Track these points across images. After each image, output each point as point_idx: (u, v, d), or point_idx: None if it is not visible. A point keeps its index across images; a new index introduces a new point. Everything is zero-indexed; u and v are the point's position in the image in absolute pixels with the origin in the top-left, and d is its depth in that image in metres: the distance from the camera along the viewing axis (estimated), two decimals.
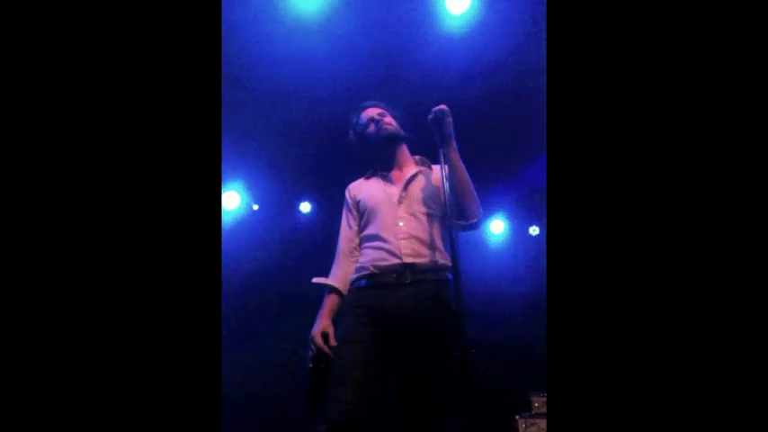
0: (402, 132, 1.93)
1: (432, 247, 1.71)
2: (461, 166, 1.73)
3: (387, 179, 1.89)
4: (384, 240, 1.73)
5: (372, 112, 1.91)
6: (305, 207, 5.00)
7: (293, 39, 3.10)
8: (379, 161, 1.94)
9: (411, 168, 1.90)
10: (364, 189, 1.92)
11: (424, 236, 1.72)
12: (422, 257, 1.68)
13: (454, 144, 1.71)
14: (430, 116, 1.73)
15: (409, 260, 1.67)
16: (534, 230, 5.63)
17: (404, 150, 1.96)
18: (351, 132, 1.98)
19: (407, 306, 1.61)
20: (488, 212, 5.42)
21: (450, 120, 1.69)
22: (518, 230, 5.62)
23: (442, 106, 1.70)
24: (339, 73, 3.35)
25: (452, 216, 1.75)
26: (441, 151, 1.67)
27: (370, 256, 1.74)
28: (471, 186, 1.78)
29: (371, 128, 1.89)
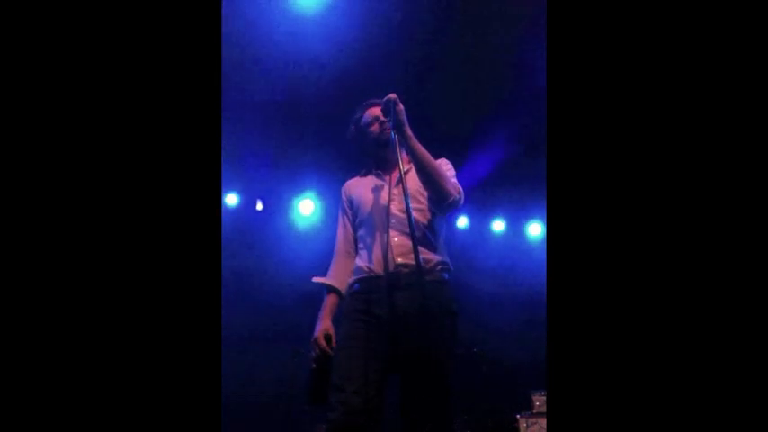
0: None
1: (424, 243, 1.70)
2: (421, 149, 1.71)
3: (380, 177, 1.89)
4: (375, 240, 1.73)
5: (377, 111, 1.90)
6: (305, 206, 5.01)
7: (294, 39, 3.10)
8: (375, 159, 1.94)
9: (404, 166, 1.90)
10: (357, 187, 1.92)
11: (416, 233, 1.70)
12: (413, 255, 1.67)
13: (409, 131, 1.70)
14: (381, 107, 1.75)
15: (401, 260, 1.66)
16: (534, 229, 5.63)
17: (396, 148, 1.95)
18: (352, 127, 1.97)
19: (401, 310, 1.61)
20: (488, 212, 5.42)
21: (400, 108, 1.69)
22: (518, 229, 5.62)
23: (392, 95, 1.70)
24: (340, 73, 3.35)
25: (430, 199, 1.75)
26: (396, 139, 1.67)
27: (364, 258, 1.75)
28: (437, 167, 1.76)
29: (375, 127, 1.87)
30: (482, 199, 5.01)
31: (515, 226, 5.61)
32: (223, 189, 4.68)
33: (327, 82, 3.41)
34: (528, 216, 5.57)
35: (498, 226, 5.57)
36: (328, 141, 4.02)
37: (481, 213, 5.44)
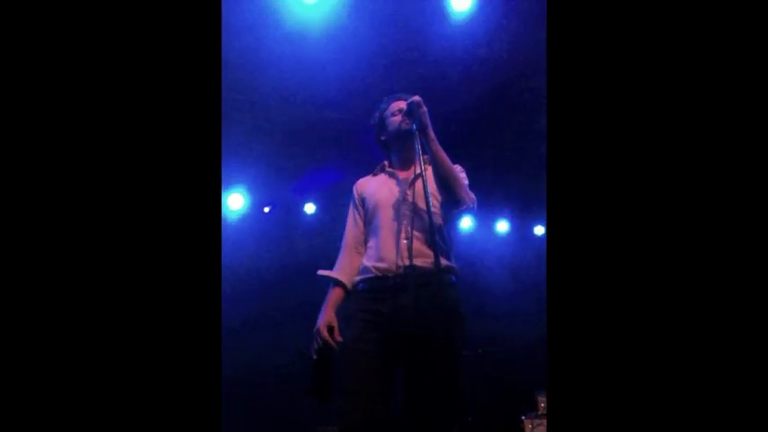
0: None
1: (435, 246, 1.69)
2: (442, 153, 1.71)
3: (394, 177, 1.88)
4: (386, 240, 1.72)
5: (403, 104, 1.88)
6: (309, 208, 5.02)
7: (295, 41, 3.10)
8: (391, 154, 1.94)
9: (419, 167, 1.89)
10: (370, 186, 1.92)
11: (428, 236, 1.68)
12: (424, 258, 1.67)
13: (431, 133, 1.70)
14: (404, 109, 1.75)
15: (410, 261, 1.66)
16: (540, 230, 5.61)
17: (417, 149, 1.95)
18: (376, 115, 1.97)
19: (409, 313, 1.60)
20: (491, 212, 5.41)
21: (424, 110, 1.69)
22: (523, 230, 5.61)
23: (416, 97, 1.70)
24: (341, 74, 3.35)
25: (443, 204, 1.74)
26: (417, 141, 1.67)
27: (373, 257, 1.74)
28: (455, 173, 1.76)
29: (397, 117, 1.87)
30: (486, 199, 4.99)
31: (520, 227, 5.60)
32: (227, 190, 4.69)
33: (330, 83, 3.41)
34: (533, 217, 5.55)
35: (503, 227, 5.56)
36: (332, 145, 4.03)
37: (485, 214, 5.42)
